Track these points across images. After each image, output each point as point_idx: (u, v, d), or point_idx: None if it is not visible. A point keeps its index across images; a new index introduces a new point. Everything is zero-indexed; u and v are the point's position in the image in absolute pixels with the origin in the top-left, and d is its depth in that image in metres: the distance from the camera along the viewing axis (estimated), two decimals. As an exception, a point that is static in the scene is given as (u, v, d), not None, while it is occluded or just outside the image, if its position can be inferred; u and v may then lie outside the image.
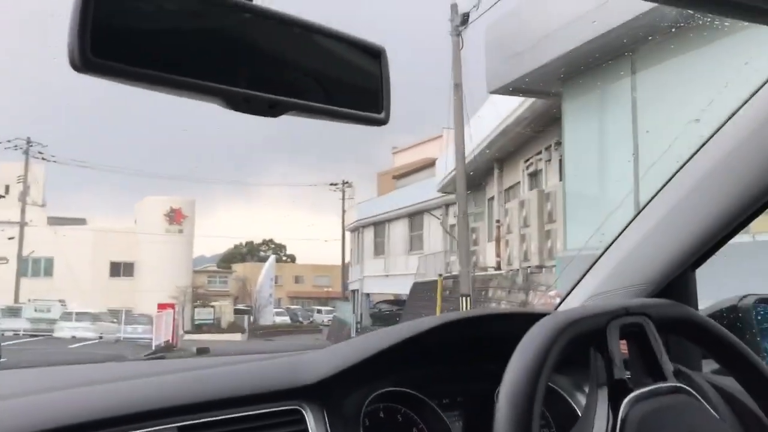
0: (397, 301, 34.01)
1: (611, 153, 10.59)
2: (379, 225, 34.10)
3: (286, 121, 0.70)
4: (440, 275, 15.66)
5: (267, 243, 76.83)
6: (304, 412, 1.03)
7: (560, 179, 13.26)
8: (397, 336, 1.12)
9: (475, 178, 20.02)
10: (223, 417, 0.97)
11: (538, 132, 15.00)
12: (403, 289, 29.40)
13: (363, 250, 36.17)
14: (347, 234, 42.41)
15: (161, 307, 28.86)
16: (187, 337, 31.32)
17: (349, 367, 1.06)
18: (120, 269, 46.58)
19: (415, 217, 30.14)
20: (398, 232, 31.74)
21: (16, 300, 34.80)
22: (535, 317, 0.85)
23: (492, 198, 19.31)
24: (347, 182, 45.27)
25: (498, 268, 16.96)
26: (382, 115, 0.76)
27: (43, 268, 46.12)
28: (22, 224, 37.34)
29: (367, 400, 1.08)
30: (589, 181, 11.32)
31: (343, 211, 43.71)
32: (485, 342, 1.16)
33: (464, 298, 14.32)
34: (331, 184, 45.29)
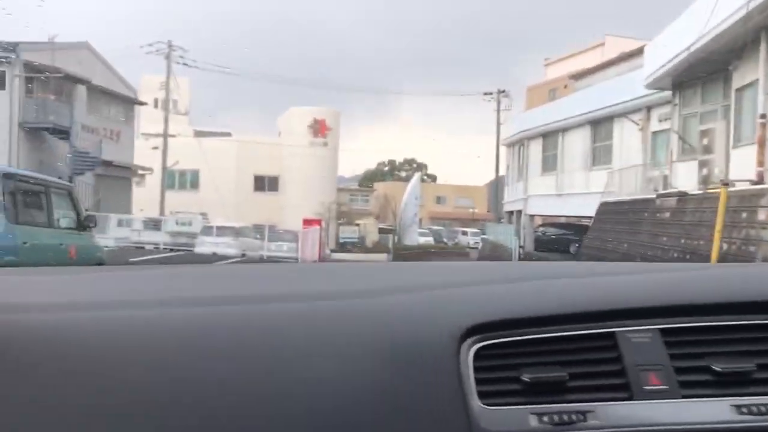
0: (567, 225, 29.70)
1: None
2: (549, 136, 29.19)
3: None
4: (724, 183, 10.98)
5: (409, 162, 74.39)
6: None
7: None
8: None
9: (712, 63, 14.86)
10: (709, 324, 0.93)
11: None
12: (580, 210, 24.79)
13: (527, 167, 31.54)
14: (502, 149, 37.86)
15: (307, 223, 26.12)
16: (333, 256, 30.26)
17: None
18: (264, 183, 45.42)
19: (600, 124, 24.98)
20: (576, 143, 26.71)
21: (161, 213, 33.80)
22: None
23: (744, 87, 14.04)
24: (503, 91, 40.19)
25: (759, 181, 12.04)
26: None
27: (189, 180, 45.70)
28: (166, 135, 35.93)
29: None
30: None
31: (498, 123, 38.99)
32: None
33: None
34: (485, 94, 40.39)
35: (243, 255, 23.98)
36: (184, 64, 36.29)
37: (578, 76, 31.64)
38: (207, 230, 26.30)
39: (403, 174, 67.99)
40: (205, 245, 24.86)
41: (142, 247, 25.33)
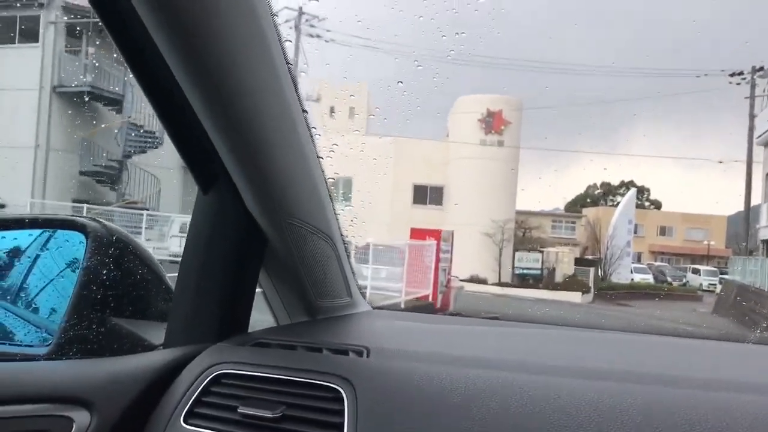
0: None
1: None
2: None
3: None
4: None
5: (626, 185, 61.37)
6: None
7: None
8: None
9: None
10: None
11: None
12: None
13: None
14: (758, 151, 25.31)
15: (418, 234, 15.95)
16: (504, 291, 22.87)
17: None
18: (426, 195, 36.38)
19: None
20: None
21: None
22: None
23: None
24: (760, 68, 27.25)
25: None
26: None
27: (341, 190, 38.08)
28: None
29: None
30: None
31: (752, 116, 26.36)
32: None
33: None
34: (732, 75, 27.64)
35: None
36: (317, 35, 28.48)
37: None
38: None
39: (619, 200, 55.85)
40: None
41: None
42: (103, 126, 20.53)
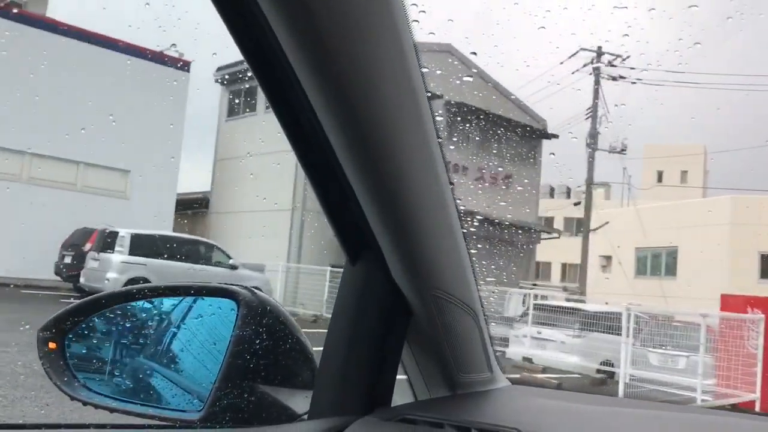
0: None
1: None
2: None
3: None
4: None
5: None
6: None
7: None
8: None
9: None
10: None
11: None
12: None
13: None
14: None
15: (731, 304, 10.72)
16: None
17: None
18: (774, 267, 28.60)
19: None
20: None
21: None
22: None
23: None
24: None
25: None
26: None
27: (664, 263, 31.97)
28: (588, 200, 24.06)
29: None
30: None
31: None
32: None
33: None
34: None
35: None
36: (619, 77, 24.06)
37: None
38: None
39: None
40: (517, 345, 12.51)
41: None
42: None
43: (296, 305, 18.01)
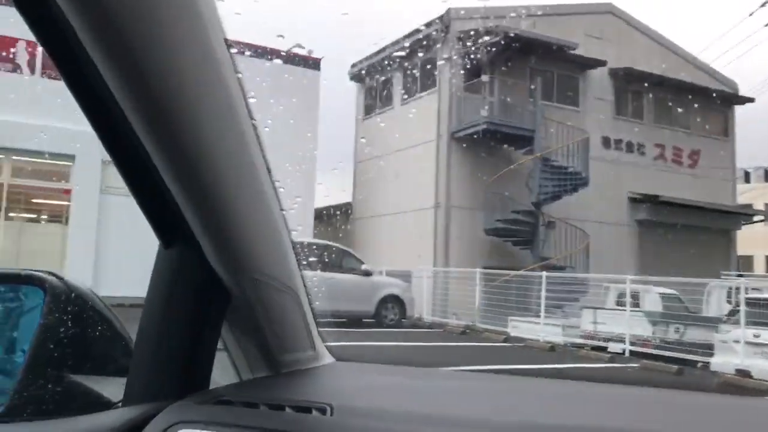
0: None
1: None
2: None
3: None
4: None
5: None
6: None
7: None
8: None
9: None
10: None
11: None
12: None
13: None
14: None
15: None
16: None
17: None
18: None
19: None
20: None
21: None
22: None
23: None
24: None
25: None
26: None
27: None
28: None
29: None
30: None
31: None
32: None
33: None
34: None
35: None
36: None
37: None
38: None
39: None
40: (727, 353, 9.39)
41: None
42: (512, 168, 16.42)
43: (447, 315, 15.80)
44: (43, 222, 17.51)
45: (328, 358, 1.38)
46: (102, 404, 1.08)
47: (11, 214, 16.55)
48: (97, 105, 0.86)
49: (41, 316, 1.06)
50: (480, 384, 1.36)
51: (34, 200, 17.18)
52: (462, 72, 17.37)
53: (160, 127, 0.83)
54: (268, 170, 0.98)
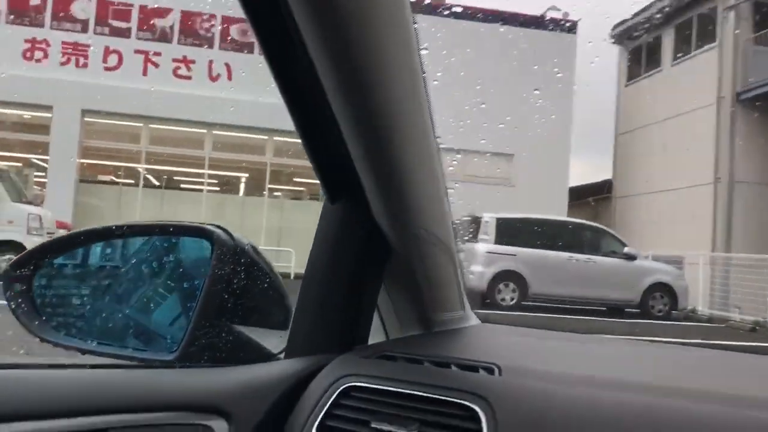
0: None
1: None
2: None
3: None
4: None
5: None
6: None
7: None
8: None
9: None
10: None
11: None
12: None
13: None
14: None
15: None
16: None
17: None
18: None
19: None
20: None
21: None
22: None
23: None
24: None
25: None
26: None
27: None
28: None
29: None
30: None
31: None
32: None
33: None
34: None
35: None
36: None
37: None
38: None
39: None
40: None
41: None
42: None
43: (729, 308, 13.44)
44: (305, 200, 18.42)
45: (475, 320, 1.39)
46: (264, 355, 1.10)
47: (276, 193, 17.67)
48: (280, 48, 0.87)
49: (211, 266, 1.07)
50: (641, 350, 1.34)
51: (295, 179, 18.17)
52: (750, 21, 14.59)
53: (351, 89, 0.84)
54: (433, 128, 0.97)
